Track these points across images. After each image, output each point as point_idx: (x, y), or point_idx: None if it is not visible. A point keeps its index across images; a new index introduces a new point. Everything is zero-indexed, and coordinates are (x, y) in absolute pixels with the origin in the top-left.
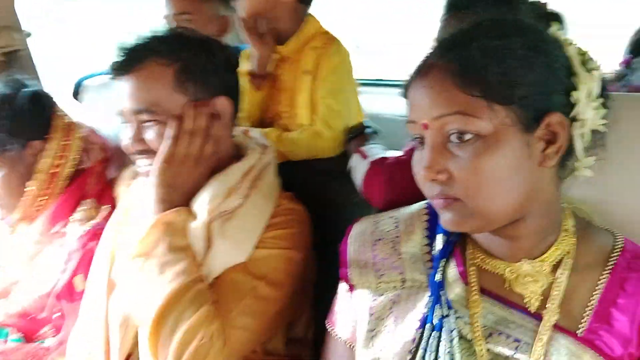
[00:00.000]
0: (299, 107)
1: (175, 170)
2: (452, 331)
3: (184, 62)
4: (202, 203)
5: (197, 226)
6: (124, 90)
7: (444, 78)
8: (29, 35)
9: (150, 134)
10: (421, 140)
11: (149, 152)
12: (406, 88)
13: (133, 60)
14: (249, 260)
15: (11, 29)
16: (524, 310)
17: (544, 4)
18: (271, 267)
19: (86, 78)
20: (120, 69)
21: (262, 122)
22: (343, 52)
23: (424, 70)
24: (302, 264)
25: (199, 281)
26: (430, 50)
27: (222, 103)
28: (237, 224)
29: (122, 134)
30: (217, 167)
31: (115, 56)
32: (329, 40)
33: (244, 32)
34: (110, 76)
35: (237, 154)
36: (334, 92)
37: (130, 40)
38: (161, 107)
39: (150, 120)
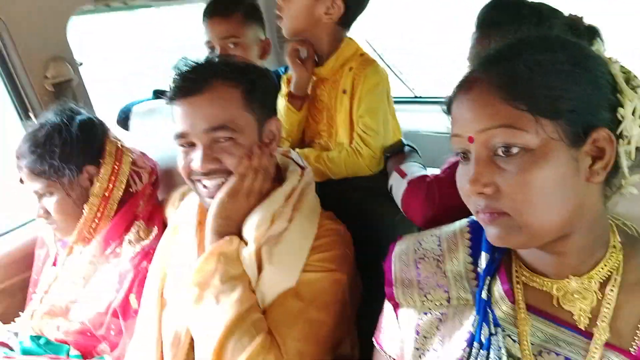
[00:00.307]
0: (338, 127)
1: (236, 203)
2: (500, 349)
3: (248, 84)
4: (250, 230)
5: (248, 254)
6: (191, 112)
7: (489, 91)
8: (80, 64)
9: (223, 152)
10: (465, 155)
11: (218, 172)
12: (449, 103)
13: (201, 82)
14: (298, 284)
15: (64, 60)
16: (573, 327)
17: (580, 18)
18: (319, 290)
19: (132, 105)
20: (189, 90)
21: (302, 142)
22: (380, 73)
23: (468, 84)
24: (348, 284)
25: (255, 310)
26: (473, 66)
27: (277, 124)
28: (283, 248)
29: (180, 157)
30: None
31: (177, 80)
32: (366, 61)
33: (287, 55)
34: (174, 98)
35: (278, 175)
36: (371, 111)
37: (186, 66)
38: (235, 124)
39: (226, 138)
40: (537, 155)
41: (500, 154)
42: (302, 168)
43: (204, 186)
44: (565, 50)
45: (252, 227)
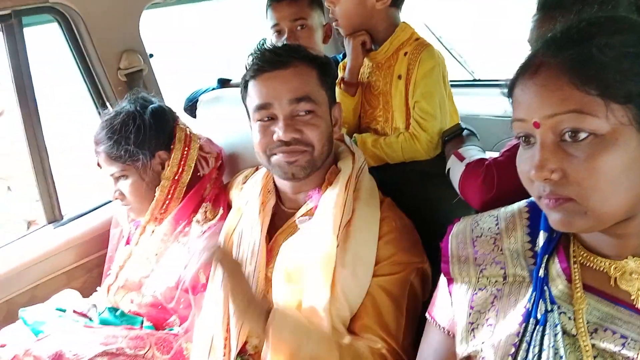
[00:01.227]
0: (394, 112)
1: None
2: (556, 326)
3: (322, 67)
4: (327, 219)
5: (327, 254)
6: (276, 85)
7: (558, 76)
8: (151, 56)
9: (304, 124)
10: (527, 139)
11: (299, 142)
12: (512, 86)
13: (287, 57)
14: (373, 289)
15: (135, 52)
16: (630, 307)
17: None
18: (393, 286)
19: (199, 93)
20: (276, 64)
21: (359, 127)
22: (436, 57)
23: (534, 67)
24: (420, 272)
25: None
26: (537, 48)
27: (339, 109)
28: (353, 247)
29: (257, 131)
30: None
31: (262, 57)
32: (421, 45)
33: (352, 45)
34: (257, 74)
35: (335, 159)
36: (427, 95)
37: (270, 46)
38: (316, 97)
39: (306, 111)
40: (607, 141)
41: (568, 139)
42: (353, 153)
43: (283, 154)
44: (635, 32)
45: (328, 217)
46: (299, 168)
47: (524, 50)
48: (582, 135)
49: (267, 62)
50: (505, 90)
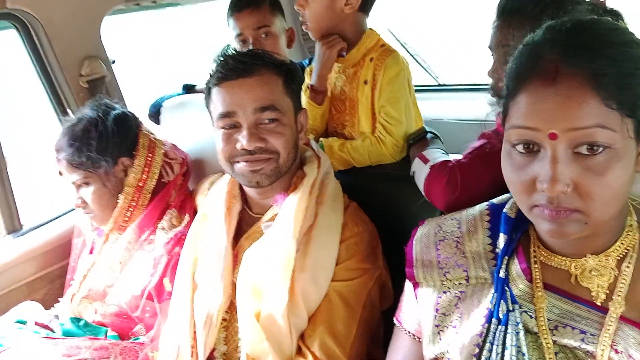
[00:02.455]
0: (360, 116)
1: None
2: (517, 325)
3: (287, 74)
4: (287, 225)
5: (286, 255)
6: (240, 93)
7: (582, 87)
8: (113, 62)
9: (268, 133)
10: (529, 147)
11: (263, 151)
12: (514, 89)
13: (252, 65)
14: (331, 292)
15: (97, 58)
16: (588, 303)
17: (602, 2)
18: (353, 293)
19: (163, 99)
20: (240, 72)
21: (325, 131)
22: (400, 63)
23: (550, 74)
24: (380, 276)
25: None
26: (542, 45)
27: (305, 115)
28: (313, 251)
29: (221, 140)
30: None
31: (226, 64)
32: (387, 52)
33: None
34: (221, 81)
35: (300, 164)
36: (392, 100)
37: (234, 53)
38: (280, 105)
39: (271, 119)
40: (620, 155)
41: (584, 152)
42: (318, 158)
43: (247, 162)
44: (634, 43)
45: (289, 222)
46: (264, 176)
47: (486, 55)
48: (599, 148)
49: (231, 69)
50: (500, 92)
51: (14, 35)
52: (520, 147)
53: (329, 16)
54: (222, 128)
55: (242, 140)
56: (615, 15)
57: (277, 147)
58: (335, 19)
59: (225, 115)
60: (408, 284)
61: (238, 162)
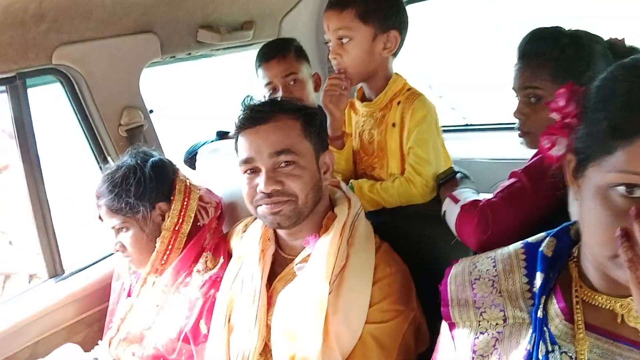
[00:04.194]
0: (389, 158)
1: None
2: None
3: (306, 117)
4: (320, 267)
5: (320, 299)
6: (257, 139)
7: None
8: (151, 111)
9: (286, 176)
10: (632, 191)
11: (280, 194)
12: (628, 132)
13: (267, 113)
14: (365, 335)
15: (136, 108)
16: (632, 343)
17: (621, 40)
18: (385, 335)
19: (198, 145)
20: (257, 120)
21: (355, 173)
22: (427, 105)
23: None
24: (414, 318)
25: None
26: None
27: (330, 157)
28: (346, 294)
29: (245, 184)
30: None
31: (245, 113)
32: (413, 95)
33: (323, 99)
34: (242, 129)
35: (330, 205)
36: (420, 142)
37: (253, 102)
38: (296, 148)
39: (287, 162)
40: None
41: None
42: (349, 199)
43: (267, 205)
44: None
45: (321, 263)
46: (284, 217)
47: (511, 95)
48: None
49: (248, 118)
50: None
51: (57, 89)
52: (624, 191)
53: (368, 60)
54: (245, 173)
55: (261, 183)
56: (635, 52)
57: (295, 190)
58: (374, 62)
59: (245, 162)
60: (444, 326)
61: (260, 205)
